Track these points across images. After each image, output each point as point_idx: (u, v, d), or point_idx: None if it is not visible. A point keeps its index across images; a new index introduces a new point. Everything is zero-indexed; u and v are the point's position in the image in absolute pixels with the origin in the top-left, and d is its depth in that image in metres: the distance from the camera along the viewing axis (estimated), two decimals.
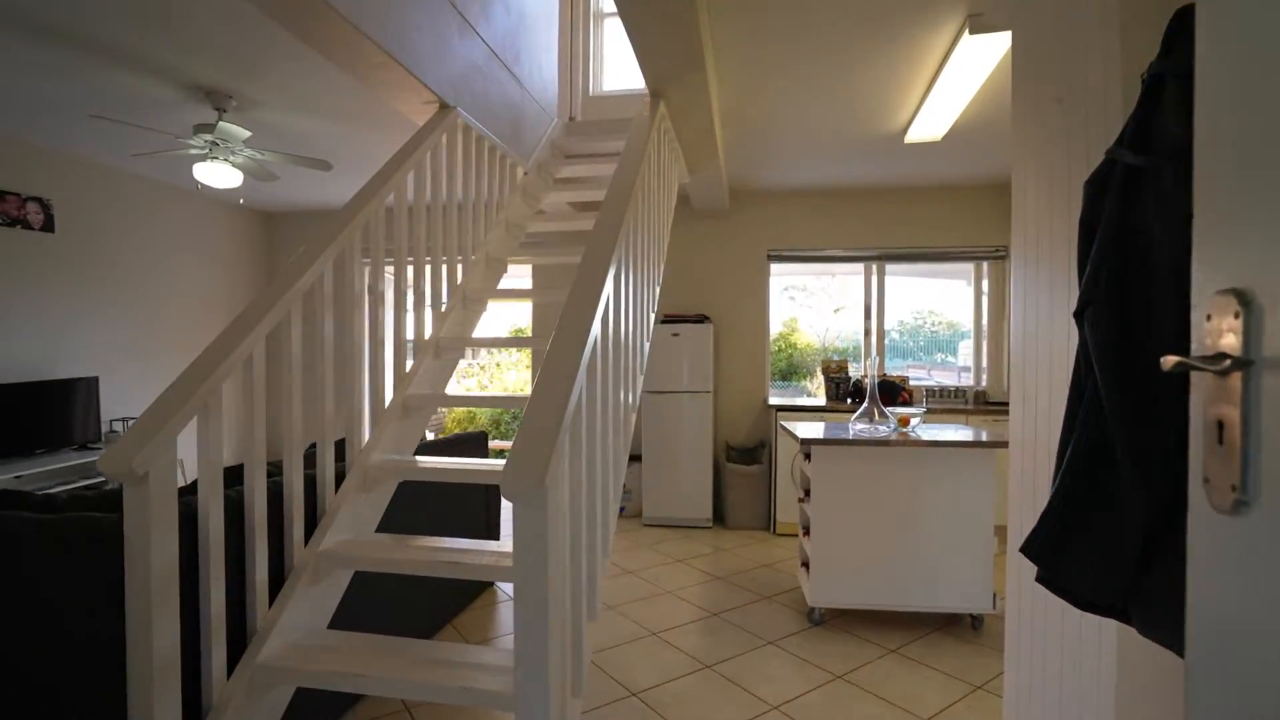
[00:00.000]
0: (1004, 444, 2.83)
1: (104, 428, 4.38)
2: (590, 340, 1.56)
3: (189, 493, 1.73)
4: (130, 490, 1.42)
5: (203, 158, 3.36)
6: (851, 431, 3.21)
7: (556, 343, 1.52)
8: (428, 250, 2.71)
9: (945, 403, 4.90)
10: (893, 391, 4.68)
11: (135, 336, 4.85)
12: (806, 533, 3.25)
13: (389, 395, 2.40)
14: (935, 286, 5.61)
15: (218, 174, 3.33)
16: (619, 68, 4.55)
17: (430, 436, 6.77)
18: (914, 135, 3.53)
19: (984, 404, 4.80)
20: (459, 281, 2.90)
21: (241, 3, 2.44)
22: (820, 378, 5.20)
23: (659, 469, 4.87)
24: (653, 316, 2.86)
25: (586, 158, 4.13)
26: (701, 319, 4.93)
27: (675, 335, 4.86)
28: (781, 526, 4.65)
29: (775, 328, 5.41)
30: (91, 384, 4.40)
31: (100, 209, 4.57)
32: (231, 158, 3.40)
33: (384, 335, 2.37)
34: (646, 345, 2.68)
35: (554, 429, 1.29)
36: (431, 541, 2.01)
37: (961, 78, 2.76)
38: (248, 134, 3.30)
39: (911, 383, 4.93)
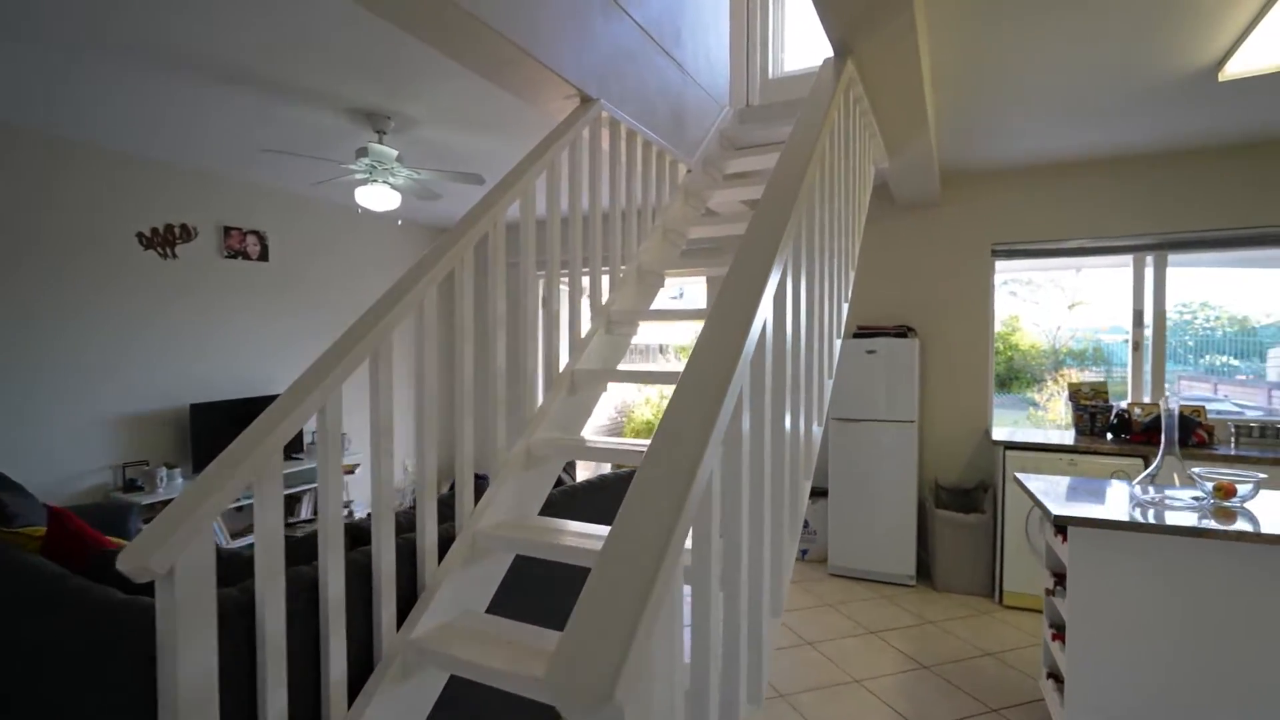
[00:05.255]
0: None
1: (305, 439, 4.71)
2: (731, 392, 0.99)
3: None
4: (161, 591, 1.17)
5: (366, 181, 3.35)
6: (1131, 503, 2.26)
7: (673, 409, 0.98)
8: (562, 265, 2.33)
9: (1267, 445, 3.50)
10: (1183, 429, 3.44)
11: None
12: (1057, 635, 2.36)
13: (500, 440, 2.05)
14: (1227, 276, 4.14)
15: (377, 197, 3.30)
16: (802, 44, 3.89)
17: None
18: (1237, 68, 2.43)
19: None
20: (603, 302, 2.50)
21: (381, 20, 2.27)
22: (1054, 386, 4.04)
23: (849, 509, 4.10)
24: (838, 338, 2.19)
25: (762, 148, 3.53)
26: (904, 332, 4.08)
27: (871, 352, 4.06)
28: (1010, 596, 3.64)
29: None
30: None
31: (302, 237, 4.94)
32: (391, 179, 3.35)
33: (497, 369, 2.00)
34: (829, 382, 2.02)
35: (643, 589, 0.75)
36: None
37: None
38: (395, 153, 3.21)
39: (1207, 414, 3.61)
